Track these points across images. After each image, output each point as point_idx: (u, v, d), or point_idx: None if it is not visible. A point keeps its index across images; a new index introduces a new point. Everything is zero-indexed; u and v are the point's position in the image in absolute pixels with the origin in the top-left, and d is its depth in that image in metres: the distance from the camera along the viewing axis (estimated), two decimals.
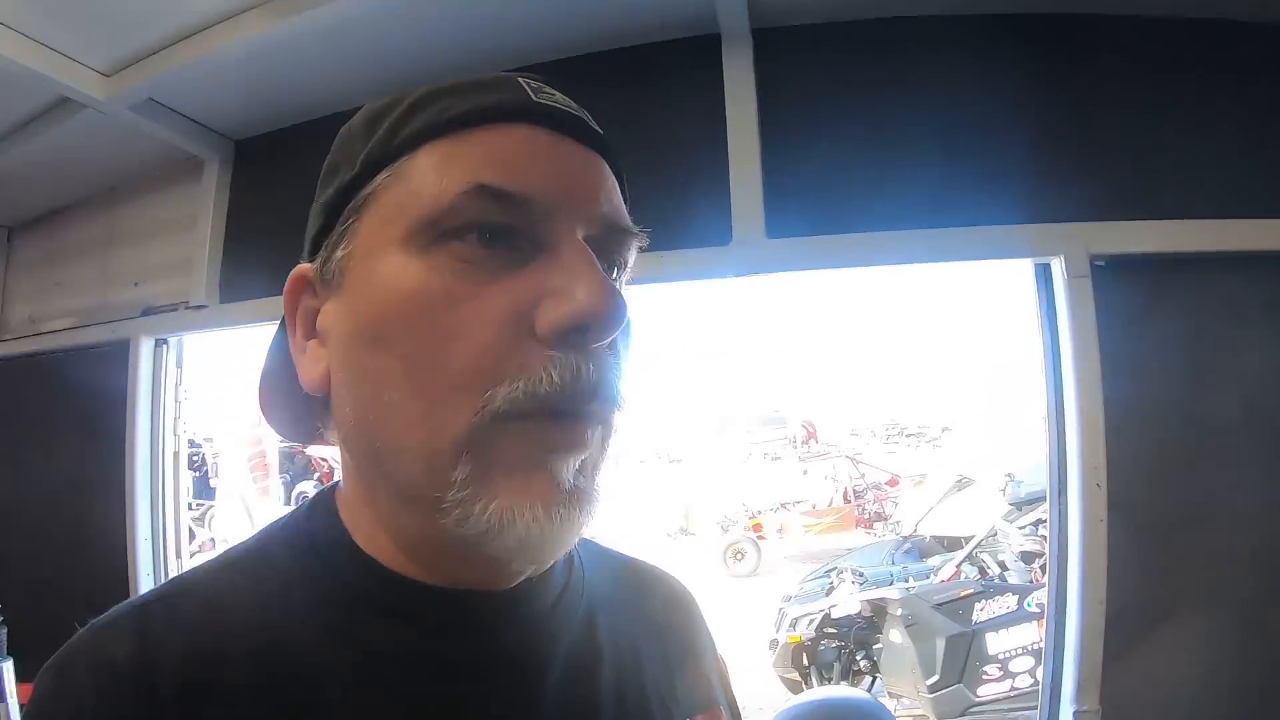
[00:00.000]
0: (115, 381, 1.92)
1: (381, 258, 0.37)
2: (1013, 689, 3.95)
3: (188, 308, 1.91)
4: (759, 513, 9.81)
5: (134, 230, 2.08)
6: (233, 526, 7.17)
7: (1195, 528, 1.23)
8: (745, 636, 5.05)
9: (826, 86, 1.48)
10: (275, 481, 8.47)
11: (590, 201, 0.38)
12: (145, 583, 1.83)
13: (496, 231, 0.36)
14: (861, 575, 4.77)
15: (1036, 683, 3.60)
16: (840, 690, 3.56)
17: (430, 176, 0.37)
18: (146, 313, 1.98)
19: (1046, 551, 1.37)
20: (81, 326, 2.04)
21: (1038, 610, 3.92)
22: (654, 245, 0.44)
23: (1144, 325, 1.30)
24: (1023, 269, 1.40)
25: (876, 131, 1.45)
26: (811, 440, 17.23)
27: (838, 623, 4.47)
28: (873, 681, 4.36)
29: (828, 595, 4.69)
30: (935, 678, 4.02)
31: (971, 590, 4.19)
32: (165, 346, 1.98)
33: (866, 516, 9.43)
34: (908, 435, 18.69)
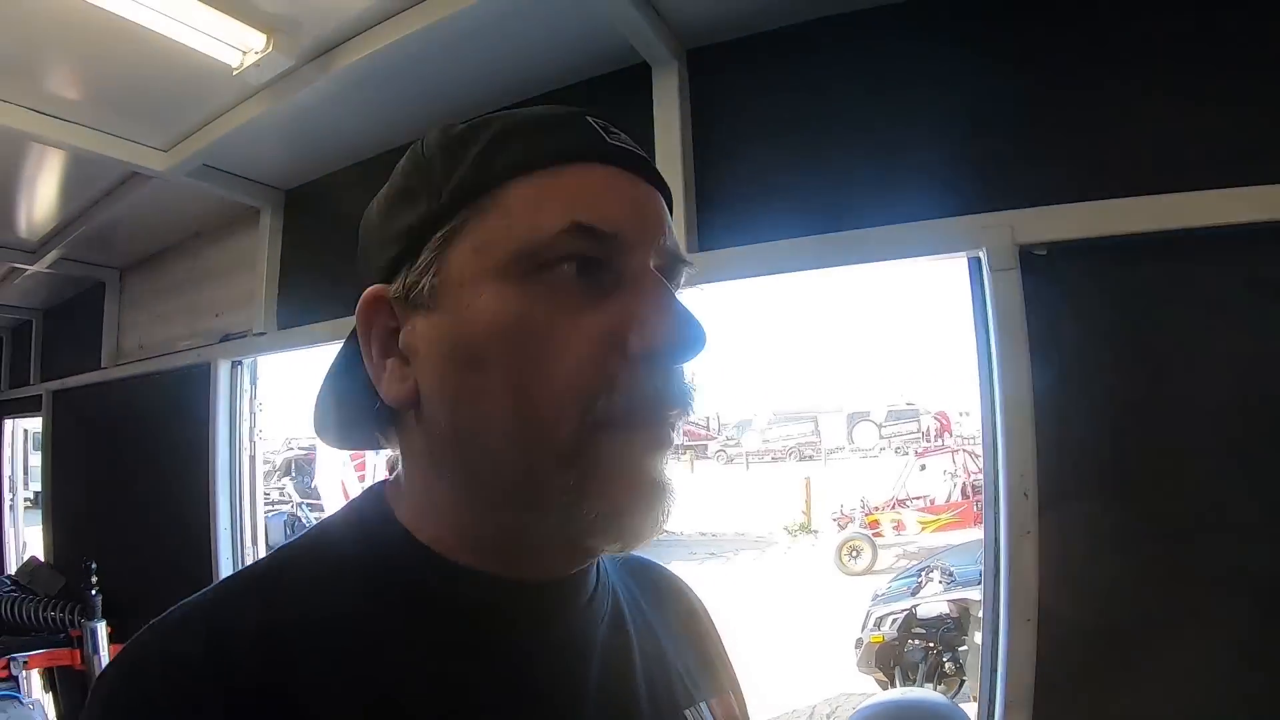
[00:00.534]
0: (201, 396, 2.32)
1: (479, 285, 0.40)
2: None
3: (252, 335, 2.27)
4: (877, 509, 9.42)
5: (213, 269, 2.51)
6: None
7: (1138, 538, 1.12)
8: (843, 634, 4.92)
9: (755, 98, 1.49)
10: (372, 476, 9.50)
11: (660, 236, 0.44)
12: (225, 567, 2.21)
13: (587, 263, 0.40)
14: (950, 575, 4.49)
15: None
16: (915, 691, 3.40)
17: (527, 211, 0.40)
18: (225, 339, 2.37)
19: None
20: (178, 352, 2.50)
21: None
22: None
23: (1086, 320, 1.19)
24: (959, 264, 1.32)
25: (805, 135, 1.43)
26: (945, 434, 16.10)
27: (924, 623, 4.25)
28: (960, 684, 4.10)
29: (914, 595, 4.45)
30: None
31: None
32: (240, 367, 2.36)
33: None
34: None
